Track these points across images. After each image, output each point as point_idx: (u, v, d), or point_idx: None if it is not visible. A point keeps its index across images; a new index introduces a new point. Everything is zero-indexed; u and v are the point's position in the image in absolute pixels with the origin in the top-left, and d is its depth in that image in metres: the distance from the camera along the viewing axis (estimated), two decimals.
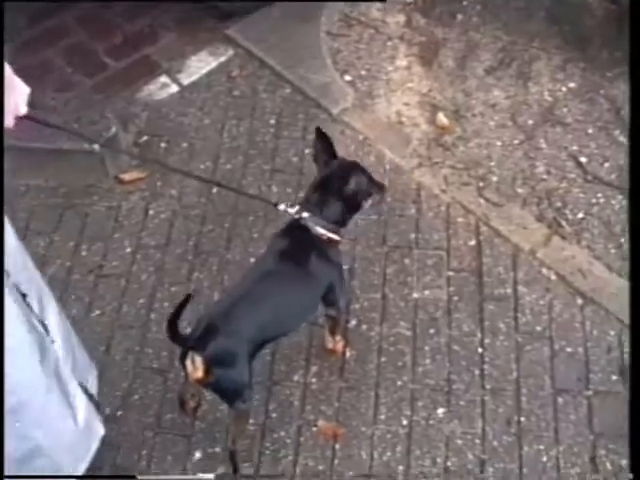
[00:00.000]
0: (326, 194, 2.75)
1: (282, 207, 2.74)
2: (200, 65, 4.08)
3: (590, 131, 3.74)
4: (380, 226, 3.45)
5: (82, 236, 3.54)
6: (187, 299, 2.50)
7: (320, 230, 2.72)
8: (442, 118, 3.75)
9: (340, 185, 2.74)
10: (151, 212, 3.59)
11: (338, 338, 3.10)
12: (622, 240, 3.38)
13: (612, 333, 3.14)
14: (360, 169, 2.82)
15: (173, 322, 2.49)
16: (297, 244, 2.74)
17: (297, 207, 2.74)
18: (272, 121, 3.82)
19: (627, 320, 3.10)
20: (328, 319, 3.01)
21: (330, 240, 2.75)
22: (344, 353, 3.14)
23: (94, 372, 2.92)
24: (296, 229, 2.74)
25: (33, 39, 4.23)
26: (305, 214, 2.71)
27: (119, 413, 3.05)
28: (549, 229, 3.42)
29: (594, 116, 3.78)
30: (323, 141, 2.80)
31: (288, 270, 2.73)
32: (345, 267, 3.05)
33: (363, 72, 3.96)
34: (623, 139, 3.68)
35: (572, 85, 3.89)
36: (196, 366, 2.53)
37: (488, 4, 4.12)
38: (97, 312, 3.31)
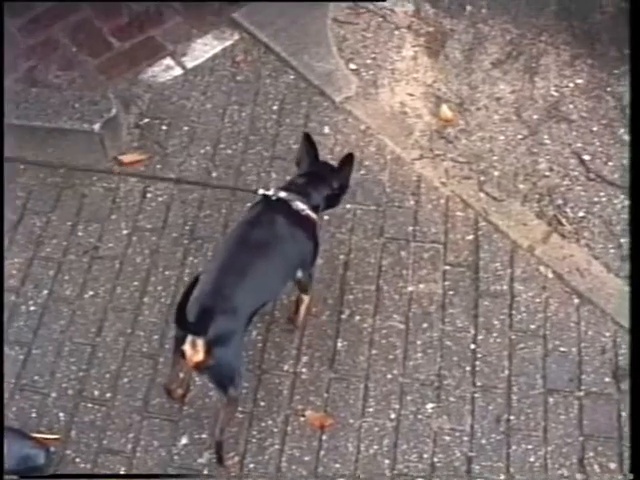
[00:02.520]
0: (315, 182, 2.94)
1: (261, 191, 2.90)
2: (205, 49, 4.05)
3: (595, 129, 3.70)
4: (378, 217, 3.43)
5: (79, 217, 3.53)
6: (195, 282, 2.51)
7: (300, 205, 2.85)
8: (446, 110, 3.71)
9: (339, 179, 2.97)
10: (149, 195, 3.57)
11: (305, 300, 3.12)
12: (622, 240, 3.34)
13: (607, 334, 3.11)
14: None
15: (183, 307, 2.48)
16: (274, 215, 2.83)
17: (274, 189, 2.90)
18: (275, 107, 3.79)
19: (623, 321, 3.08)
20: (298, 284, 3.06)
21: (308, 217, 2.87)
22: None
23: None
24: (273, 203, 2.85)
25: (39, 16, 4.20)
26: (283, 193, 2.85)
27: (107, 395, 3.04)
28: (549, 226, 3.39)
29: (600, 113, 3.74)
30: (310, 145, 2.99)
31: (267, 240, 2.80)
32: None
33: (368, 61, 3.92)
34: (628, 137, 3.63)
35: (579, 81, 3.85)
36: (197, 349, 2.54)
37: None
38: (90, 293, 3.30)
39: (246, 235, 2.81)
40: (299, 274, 2.98)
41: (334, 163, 3.08)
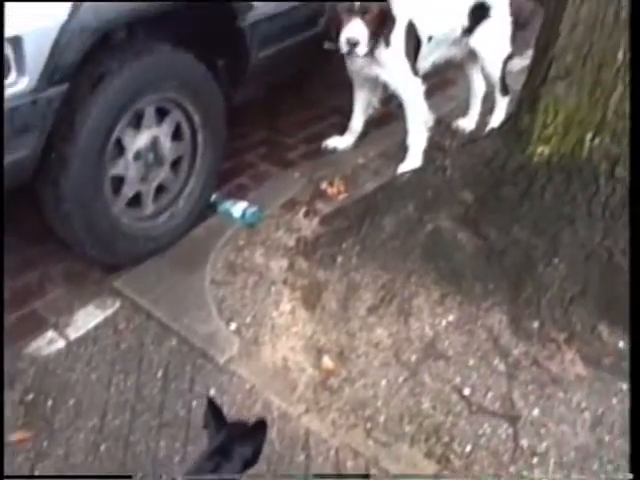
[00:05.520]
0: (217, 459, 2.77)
1: None
2: (87, 319, 4.12)
3: (471, 362, 3.85)
4: (270, 475, 3.44)
5: None
6: None
7: None
8: (327, 361, 3.83)
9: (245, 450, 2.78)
10: (37, 472, 3.49)
11: None
12: (511, 469, 3.42)
13: None
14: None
15: None
16: None
17: None
18: (159, 374, 3.83)
19: None
20: None
21: None
22: None
23: None
24: None
25: None
26: None
27: None
28: (438, 464, 3.45)
29: (474, 347, 3.91)
30: (213, 410, 2.88)
31: None
32: None
33: (248, 319, 4.06)
34: (503, 367, 3.80)
35: (451, 318, 4.03)
36: None
37: (366, 245, 4.30)
38: None
39: None
40: None
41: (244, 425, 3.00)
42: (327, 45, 4.83)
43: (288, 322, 4.04)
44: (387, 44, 4.86)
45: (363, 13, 4.72)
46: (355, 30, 4.71)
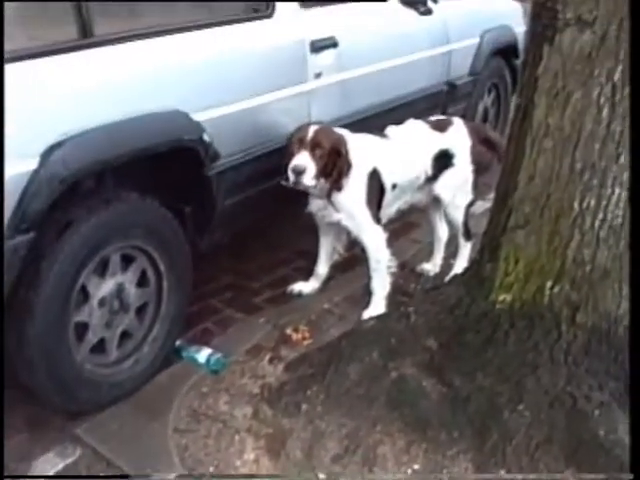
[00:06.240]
0: None
1: None
2: (46, 467, 4.02)
3: None
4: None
5: None
6: None
7: None
8: None
9: None
10: None
11: None
12: None
13: None
14: None
15: None
16: None
17: None
18: None
19: None
20: None
21: None
22: None
23: None
24: None
25: None
26: None
27: None
28: None
29: None
30: None
31: None
32: None
33: (211, 469, 3.97)
34: None
35: (416, 467, 3.97)
36: None
37: (331, 393, 4.27)
38: None
39: None
40: None
41: None
42: (283, 181, 4.92)
43: (252, 472, 3.96)
44: (339, 188, 4.98)
45: (313, 147, 4.87)
46: (301, 160, 4.86)
